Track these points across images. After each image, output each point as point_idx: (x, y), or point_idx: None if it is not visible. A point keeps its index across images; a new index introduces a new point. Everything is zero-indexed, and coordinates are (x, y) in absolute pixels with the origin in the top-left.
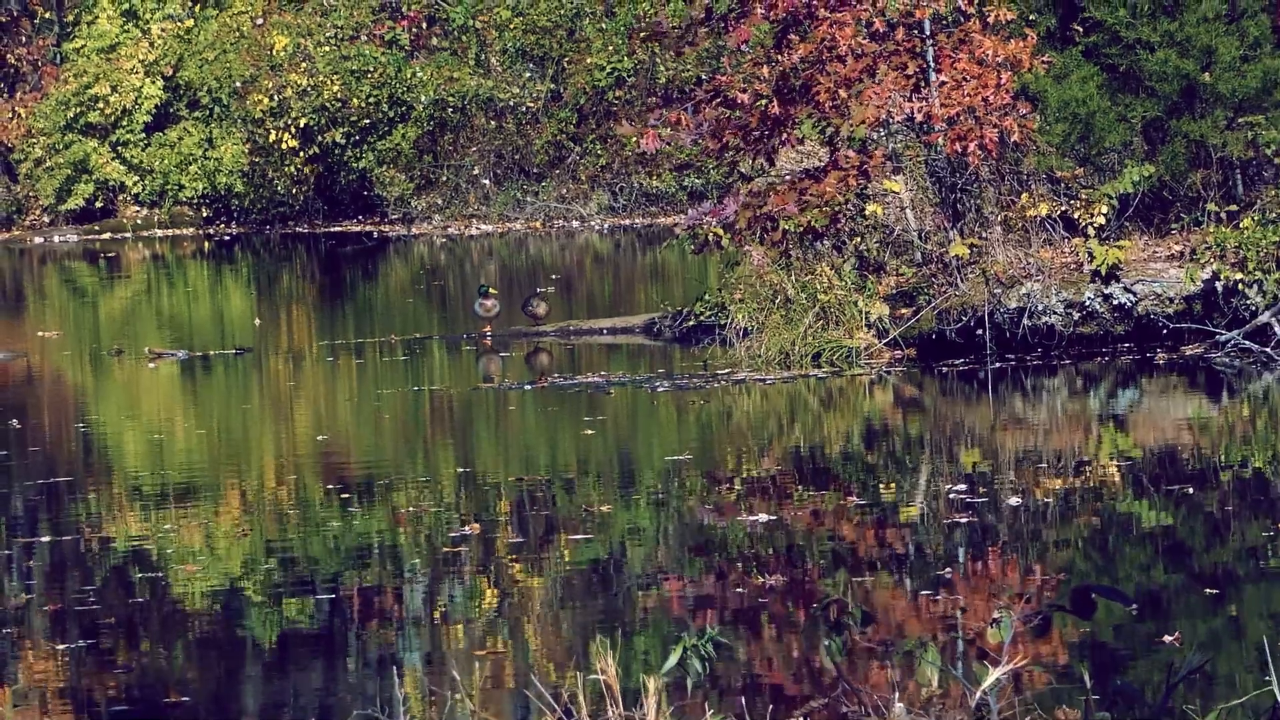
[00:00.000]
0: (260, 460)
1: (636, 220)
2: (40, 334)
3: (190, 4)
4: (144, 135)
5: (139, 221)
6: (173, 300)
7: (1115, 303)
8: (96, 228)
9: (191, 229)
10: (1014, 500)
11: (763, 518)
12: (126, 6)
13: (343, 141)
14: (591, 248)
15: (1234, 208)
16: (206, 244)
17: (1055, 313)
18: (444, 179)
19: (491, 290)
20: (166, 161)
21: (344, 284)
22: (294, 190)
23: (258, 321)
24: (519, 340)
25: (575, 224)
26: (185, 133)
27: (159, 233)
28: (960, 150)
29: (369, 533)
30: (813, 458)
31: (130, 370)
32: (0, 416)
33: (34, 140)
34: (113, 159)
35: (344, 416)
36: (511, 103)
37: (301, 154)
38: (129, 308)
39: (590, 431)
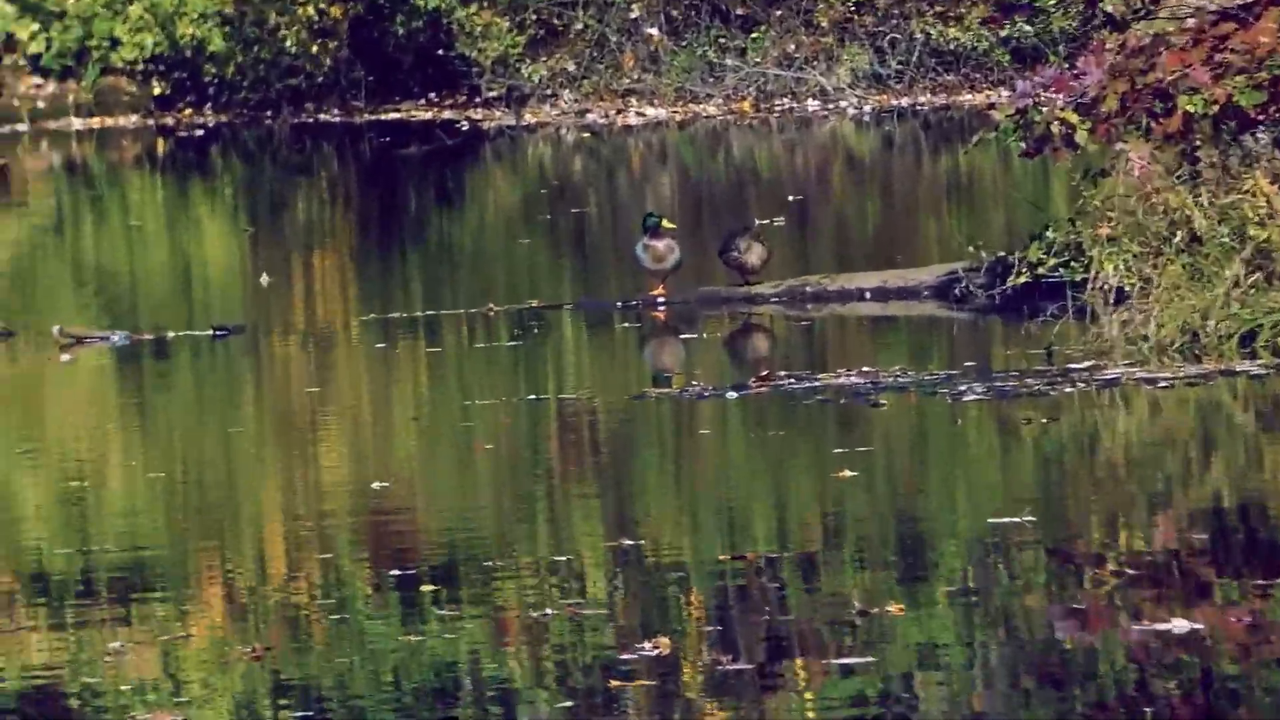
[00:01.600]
0: (262, 528)
1: (921, 99)
2: None
3: None
4: None
5: (40, 105)
6: (102, 243)
7: None
8: None
9: (134, 116)
10: None
11: (1165, 628)
12: None
13: None
14: (842, 147)
15: None
16: (161, 143)
17: None
18: (578, 27)
19: (666, 224)
20: (88, 4)
21: (404, 214)
22: (314, 49)
23: (264, 279)
24: (716, 311)
25: (813, 104)
26: None
27: (77, 123)
28: None
29: (460, 659)
30: (1248, 520)
31: (28, 365)
32: None
33: None
34: None
35: (409, 449)
36: None
37: None
38: (23, 256)
39: (848, 473)
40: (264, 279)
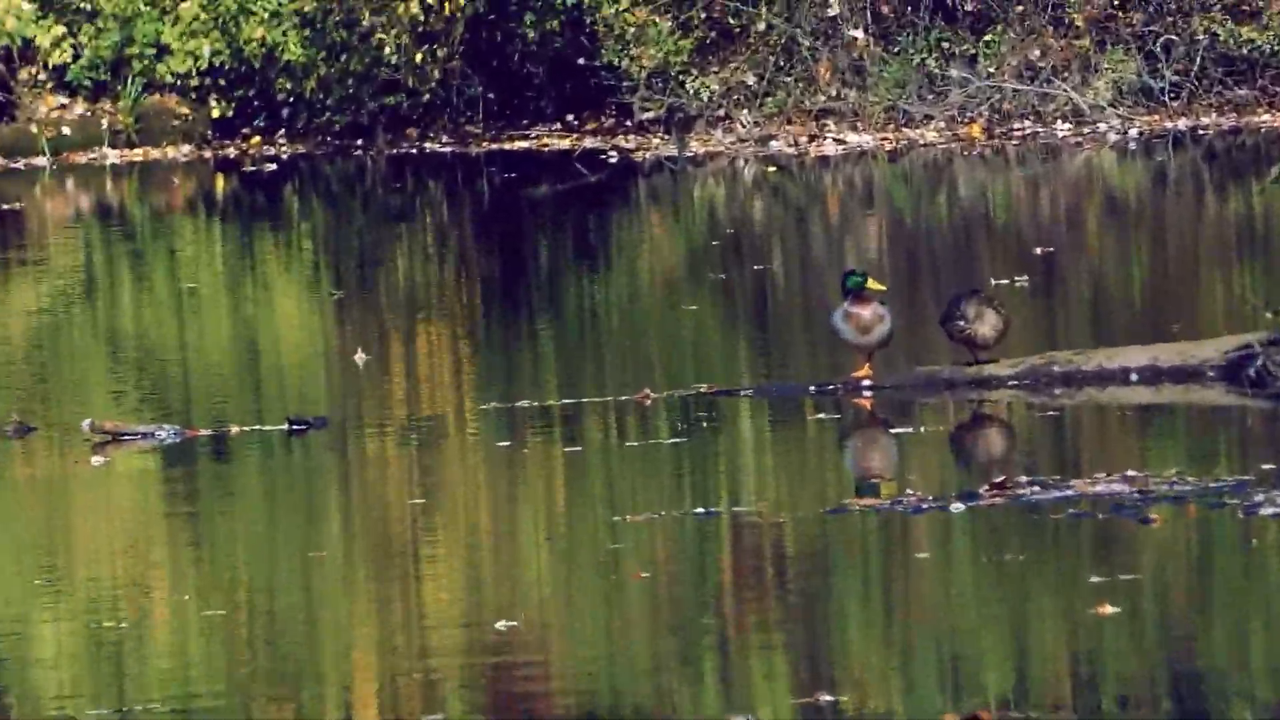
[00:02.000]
0: (351, 681)
1: (1204, 119)
2: None
3: None
4: None
5: (66, 132)
6: (144, 312)
7: None
8: None
9: (186, 147)
10: None
11: None
12: None
13: None
14: (1101, 183)
15: None
16: (220, 181)
17: None
18: (760, 29)
19: (873, 285)
20: (128, 1)
21: (534, 272)
22: (419, 58)
23: (359, 357)
24: (937, 397)
25: (1063, 128)
26: None
27: (112, 155)
28: None
29: None
30: None
31: (50, 469)
32: None
33: None
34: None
35: (542, 578)
36: None
37: None
38: (43, 329)
39: (1108, 609)
40: (359, 357)
